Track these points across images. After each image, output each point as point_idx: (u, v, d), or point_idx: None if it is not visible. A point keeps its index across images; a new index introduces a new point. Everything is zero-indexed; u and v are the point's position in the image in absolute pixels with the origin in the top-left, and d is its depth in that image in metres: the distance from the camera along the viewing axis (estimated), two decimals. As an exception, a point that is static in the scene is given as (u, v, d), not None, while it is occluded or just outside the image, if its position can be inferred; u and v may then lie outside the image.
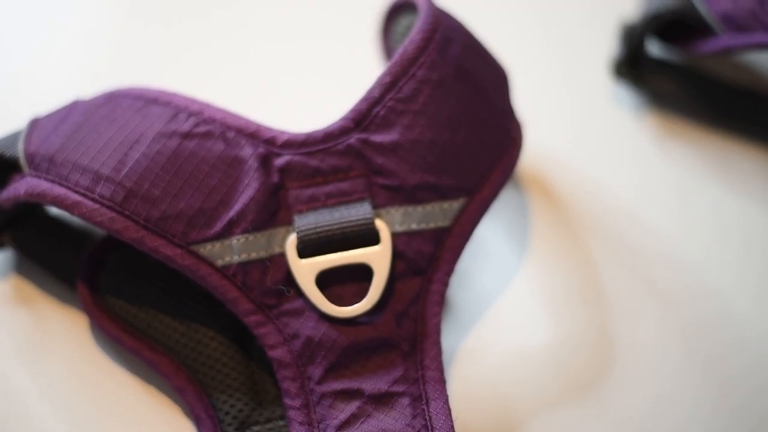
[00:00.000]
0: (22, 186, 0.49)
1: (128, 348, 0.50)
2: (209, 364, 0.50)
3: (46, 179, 0.49)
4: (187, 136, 0.48)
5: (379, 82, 0.49)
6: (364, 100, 0.49)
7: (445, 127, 0.49)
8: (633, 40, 0.60)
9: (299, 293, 0.47)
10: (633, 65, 0.61)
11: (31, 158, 0.49)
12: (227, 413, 0.48)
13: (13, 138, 0.51)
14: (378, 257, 0.47)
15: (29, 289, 0.54)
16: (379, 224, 0.48)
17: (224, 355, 0.50)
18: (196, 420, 0.48)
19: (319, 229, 0.47)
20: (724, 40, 0.58)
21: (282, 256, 0.47)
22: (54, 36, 0.67)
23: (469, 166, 0.49)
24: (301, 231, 0.47)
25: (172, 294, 0.51)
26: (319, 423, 0.46)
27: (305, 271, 0.47)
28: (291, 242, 0.47)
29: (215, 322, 0.51)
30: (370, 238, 0.48)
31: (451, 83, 0.50)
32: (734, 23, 0.57)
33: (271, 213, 0.48)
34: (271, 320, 0.47)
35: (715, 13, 0.58)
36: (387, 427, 0.45)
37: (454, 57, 0.51)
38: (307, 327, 0.47)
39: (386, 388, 0.46)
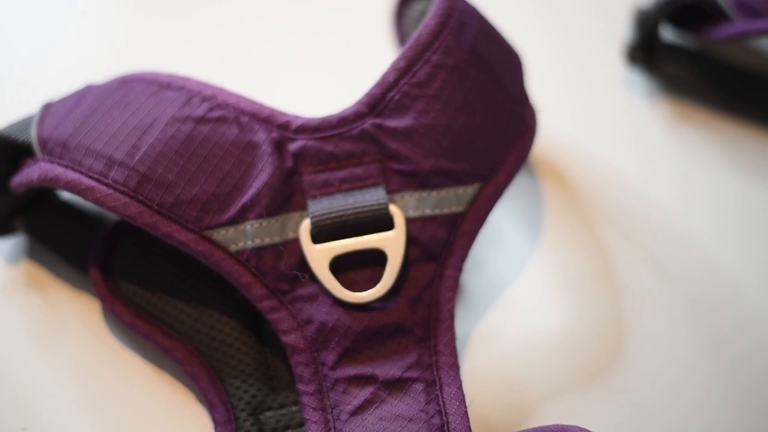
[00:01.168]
0: (35, 171, 0.49)
1: (141, 333, 0.50)
2: (222, 350, 0.50)
3: (59, 164, 0.48)
4: (200, 120, 0.48)
5: (394, 67, 0.49)
6: (379, 84, 0.49)
7: (460, 112, 0.49)
8: (646, 25, 0.60)
9: (313, 278, 0.47)
10: (646, 51, 0.61)
11: (44, 143, 0.49)
12: (240, 399, 0.48)
13: (25, 123, 0.51)
14: (392, 243, 0.47)
15: (41, 274, 0.54)
16: (393, 209, 0.48)
17: (237, 340, 0.50)
18: (210, 405, 0.48)
19: (333, 215, 0.47)
20: (738, 25, 0.57)
21: (296, 242, 0.47)
22: (63, 22, 0.67)
23: (483, 152, 0.49)
24: (315, 216, 0.47)
25: (185, 279, 0.51)
26: (332, 408, 0.46)
27: (319, 256, 0.47)
28: (305, 227, 0.47)
29: (228, 307, 0.50)
30: (385, 223, 0.47)
31: (465, 68, 0.50)
32: (748, 9, 0.57)
33: (284, 198, 0.48)
34: (285, 305, 0.47)
35: None
36: (401, 413, 0.45)
37: (468, 42, 0.50)
38: (320, 312, 0.47)
39: (400, 373, 0.46)
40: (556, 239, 0.56)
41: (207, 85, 0.49)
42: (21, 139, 0.50)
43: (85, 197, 0.48)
